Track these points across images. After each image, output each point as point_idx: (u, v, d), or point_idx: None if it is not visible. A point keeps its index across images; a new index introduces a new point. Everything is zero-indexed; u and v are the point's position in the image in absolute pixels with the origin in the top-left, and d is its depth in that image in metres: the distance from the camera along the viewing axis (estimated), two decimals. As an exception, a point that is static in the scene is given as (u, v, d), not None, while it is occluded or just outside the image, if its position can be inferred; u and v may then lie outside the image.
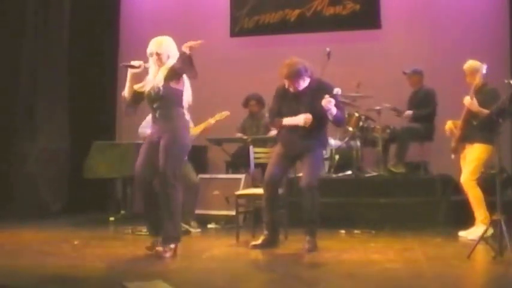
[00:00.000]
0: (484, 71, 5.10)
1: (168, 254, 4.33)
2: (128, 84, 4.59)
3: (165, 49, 4.52)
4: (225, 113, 6.40)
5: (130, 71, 4.57)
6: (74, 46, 8.08)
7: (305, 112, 4.81)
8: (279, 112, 5.00)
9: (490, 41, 7.22)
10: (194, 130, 6.26)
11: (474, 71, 5.35)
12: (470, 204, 5.36)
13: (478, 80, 5.18)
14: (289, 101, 4.94)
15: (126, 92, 4.61)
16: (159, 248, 4.35)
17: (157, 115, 4.52)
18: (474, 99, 5.17)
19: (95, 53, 8.37)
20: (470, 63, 5.44)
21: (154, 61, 4.53)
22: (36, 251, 4.21)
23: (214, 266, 4.24)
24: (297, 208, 5.80)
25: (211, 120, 6.35)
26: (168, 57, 4.53)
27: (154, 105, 4.51)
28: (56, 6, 7.84)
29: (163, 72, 4.49)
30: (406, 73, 6.86)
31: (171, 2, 8.72)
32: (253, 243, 4.89)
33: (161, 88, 4.45)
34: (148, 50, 4.56)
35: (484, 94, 5.23)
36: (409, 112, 6.75)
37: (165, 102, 4.48)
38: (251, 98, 7.26)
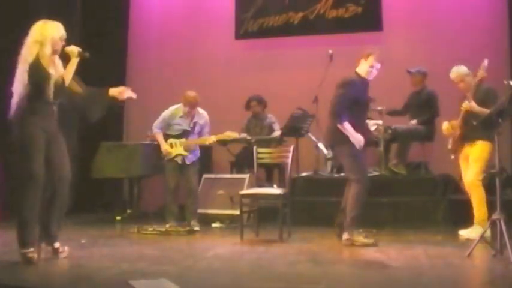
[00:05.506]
0: (486, 64, 5.08)
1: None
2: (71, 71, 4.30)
3: None
4: (234, 134, 6.34)
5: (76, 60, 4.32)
6: (84, 47, 8.14)
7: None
8: (356, 102, 5.06)
9: (490, 43, 7.23)
10: (210, 139, 6.23)
11: (463, 76, 5.40)
12: (470, 203, 5.39)
13: (479, 76, 5.15)
14: (364, 92, 5.20)
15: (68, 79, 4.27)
16: (61, 248, 4.26)
17: (54, 108, 4.28)
18: (472, 101, 5.19)
19: (104, 54, 8.42)
20: (455, 71, 5.47)
21: (59, 47, 4.27)
22: (43, 250, 4.27)
23: (219, 264, 4.28)
24: (300, 207, 5.92)
25: (223, 136, 6.26)
26: None
27: (56, 100, 4.27)
28: (67, 8, 7.90)
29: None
30: (411, 72, 6.91)
31: (178, 5, 8.79)
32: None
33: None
34: (63, 33, 4.32)
35: (481, 93, 5.26)
36: (414, 122, 6.79)
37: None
38: (252, 100, 7.33)
